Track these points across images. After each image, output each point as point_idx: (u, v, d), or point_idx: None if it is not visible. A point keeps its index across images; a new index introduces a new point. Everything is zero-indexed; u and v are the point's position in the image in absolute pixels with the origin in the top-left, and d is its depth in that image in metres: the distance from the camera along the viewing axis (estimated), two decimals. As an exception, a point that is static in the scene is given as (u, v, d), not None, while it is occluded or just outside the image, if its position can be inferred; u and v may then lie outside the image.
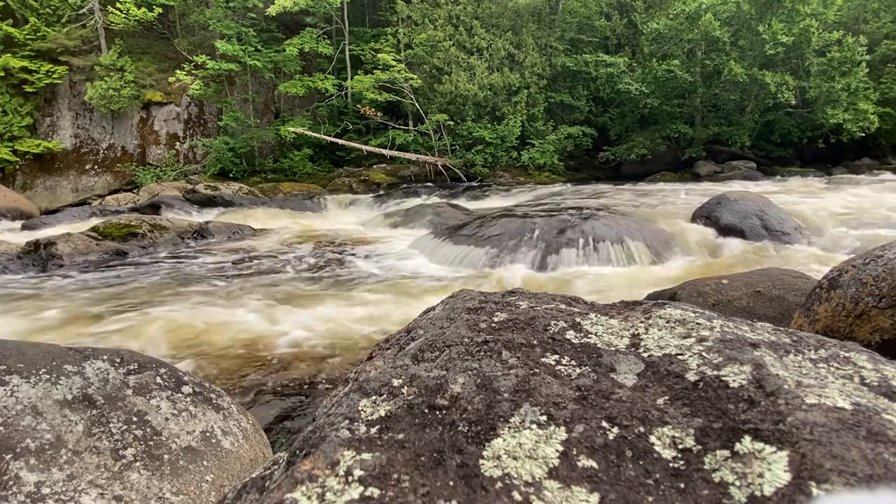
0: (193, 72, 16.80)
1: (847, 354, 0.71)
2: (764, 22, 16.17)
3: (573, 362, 0.73)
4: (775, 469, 0.53)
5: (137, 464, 1.37)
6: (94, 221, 8.63)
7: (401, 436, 0.61)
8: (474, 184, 16.08)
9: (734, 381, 0.64)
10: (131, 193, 15.04)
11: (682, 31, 17.17)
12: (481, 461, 0.58)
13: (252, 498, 0.69)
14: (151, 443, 1.43)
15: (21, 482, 1.25)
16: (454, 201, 11.57)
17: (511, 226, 6.00)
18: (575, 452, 0.59)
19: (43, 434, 1.35)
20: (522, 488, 0.54)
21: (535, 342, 0.78)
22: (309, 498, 0.54)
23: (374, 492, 0.54)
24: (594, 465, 0.57)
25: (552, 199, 11.33)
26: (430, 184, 16.04)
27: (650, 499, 0.53)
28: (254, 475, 0.75)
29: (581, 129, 18.51)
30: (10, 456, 1.28)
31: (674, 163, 17.96)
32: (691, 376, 0.66)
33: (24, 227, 10.24)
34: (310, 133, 17.33)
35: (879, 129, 17.01)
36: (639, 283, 4.71)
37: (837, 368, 0.68)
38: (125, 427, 1.44)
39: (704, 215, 6.16)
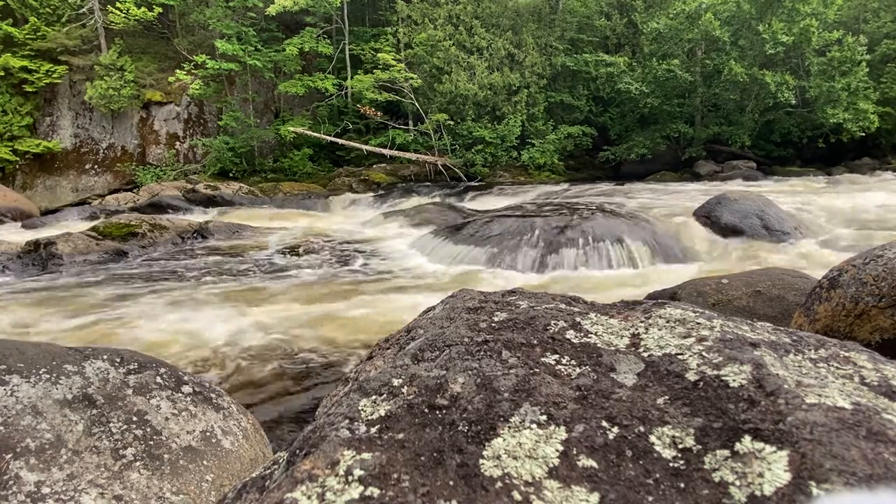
0: (193, 71, 16.79)
1: (847, 354, 0.71)
2: (764, 21, 16.16)
3: (573, 362, 0.73)
4: (775, 469, 0.52)
5: (137, 463, 1.37)
6: (94, 221, 8.63)
7: (401, 435, 0.61)
8: (474, 183, 16.07)
9: (734, 380, 0.64)
10: (131, 193, 15.03)
11: (682, 31, 17.16)
12: (481, 461, 0.58)
13: (252, 497, 0.69)
14: (151, 442, 1.43)
15: (21, 482, 1.25)
16: (454, 201, 11.57)
17: (511, 225, 6.00)
18: (575, 452, 0.59)
19: (43, 434, 1.35)
20: (522, 488, 0.54)
21: (535, 342, 0.78)
22: (309, 498, 0.54)
23: (374, 491, 0.54)
24: (594, 464, 0.57)
25: (552, 198, 11.32)
26: (429, 183, 16.04)
27: (650, 498, 0.53)
28: (254, 475, 0.75)
29: (581, 129, 18.50)
30: (10, 455, 1.28)
31: (674, 162, 17.96)
32: (691, 376, 0.66)
33: (24, 227, 10.24)
34: (310, 133, 17.32)
35: (879, 128, 17.00)
36: (638, 282, 4.72)
37: (837, 368, 0.68)
38: (125, 427, 1.44)
39: (704, 215, 6.16)
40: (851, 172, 15.41)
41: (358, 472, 0.56)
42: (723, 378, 0.64)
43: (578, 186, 14.13)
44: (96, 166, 17.90)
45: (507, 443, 0.59)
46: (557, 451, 0.59)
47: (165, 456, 1.41)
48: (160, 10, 17.26)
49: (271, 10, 16.67)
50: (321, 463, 0.58)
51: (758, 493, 0.51)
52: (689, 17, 16.90)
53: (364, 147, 17.19)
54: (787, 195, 8.94)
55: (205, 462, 1.46)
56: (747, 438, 0.56)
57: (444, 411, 0.64)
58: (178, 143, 18.08)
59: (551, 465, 0.57)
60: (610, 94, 18.61)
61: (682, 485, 0.54)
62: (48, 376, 1.49)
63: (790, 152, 18.66)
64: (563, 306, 0.93)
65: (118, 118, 17.86)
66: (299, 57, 17.80)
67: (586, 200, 9.91)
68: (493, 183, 16.03)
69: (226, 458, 1.50)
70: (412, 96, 17.31)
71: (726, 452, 0.56)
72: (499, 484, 0.55)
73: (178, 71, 16.92)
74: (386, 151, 16.94)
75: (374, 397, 0.69)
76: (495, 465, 0.57)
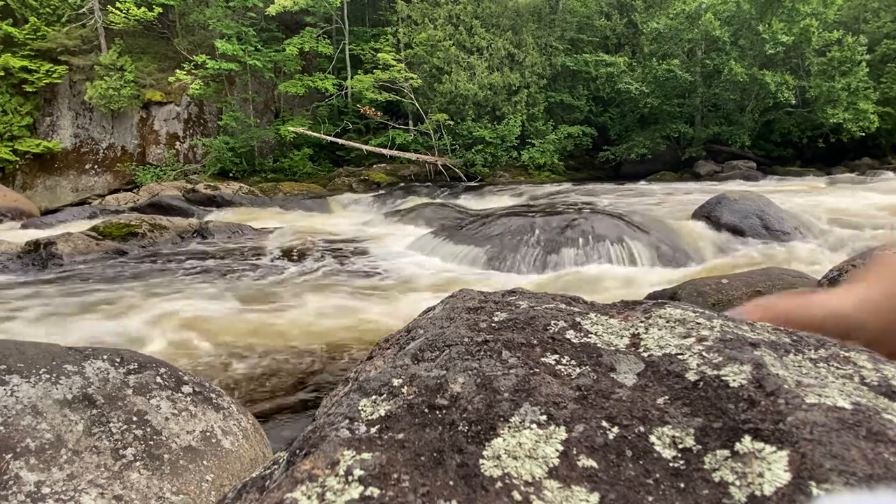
0: (193, 71, 16.79)
1: (847, 354, 0.70)
2: (764, 21, 16.17)
3: (573, 362, 0.73)
4: (775, 469, 0.52)
5: (137, 463, 1.37)
6: (94, 221, 8.63)
7: (401, 435, 0.61)
8: (474, 183, 16.07)
9: (734, 380, 0.63)
10: (131, 193, 15.03)
11: (682, 31, 17.17)
12: (481, 461, 0.58)
13: (252, 497, 0.69)
14: (151, 442, 1.43)
15: (21, 482, 1.25)
16: (454, 201, 11.56)
17: (511, 225, 6.00)
18: (575, 452, 0.58)
19: (43, 434, 1.35)
20: (522, 488, 0.54)
21: (535, 342, 0.78)
22: (309, 497, 0.54)
23: (374, 491, 0.54)
24: (594, 464, 0.57)
25: (552, 198, 11.33)
26: (429, 183, 16.03)
27: (650, 498, 0.53)
28: (254, 475, 0.75)
29: (581, 129, 18.51)
30: (10, 455, 1.28)
31: (674, 162, 17.96)
32: (691, 376, 0.66)
33: (24, 227, 10.24)
34: (310, 133, 17.32)
35: (879, 128, 17.00)
36: (639, 282, 4.72)
37: (837, 368, 0.68)
38: (125, 427, 1.44)
39: (704, 215, 6.16)
40: (851, 172, 15.41)
41: (358, 472, 0.56)
42: (723, 378, 0.64)
43: (578, 186, 14.13)
44: (96, 166, 17.90)
45: (507, 443, 0.59)
46: (557, 451, 0.58)
47: (165, 456, 1.41)
48: (160, 10, 17.27)
49: (271, 10, 16.67)
50: (321, 463, 0.58)
51: (758, 493, 0.51)
52: (689, 17, 16.91)
53: (364, 147, 17.19)
54: (787, 195, 8.94)
55: (205, 462, 1.46)
56: (747, 438, 0.56)
57: (444, 411, 0.64)
58: (178, 143, 18.09)
59: (551, 465, 0.57)
60: (610, 94, 18.62)
61: (682, 485, 0.54)
62: (48, 376, 1.49)
63: (790, 152, 18.68)
64: (563, 306, 0.92)
65: (118, 118, 17.86)
66: (299, 57, 17.81)
67: (586, 200, 9.91)
68: (493, 183, 16.04)
69: (226, 458, 1.50)
70: (412, 96, 17.31)
71: (726, 452, 0.56)
72: (499, 484, 0.55)
73: (178, 71, 16.92)
74: (386, 151, 16.94)
75: (374, 397, 0.69)
76: (495, 465, 0.57)
